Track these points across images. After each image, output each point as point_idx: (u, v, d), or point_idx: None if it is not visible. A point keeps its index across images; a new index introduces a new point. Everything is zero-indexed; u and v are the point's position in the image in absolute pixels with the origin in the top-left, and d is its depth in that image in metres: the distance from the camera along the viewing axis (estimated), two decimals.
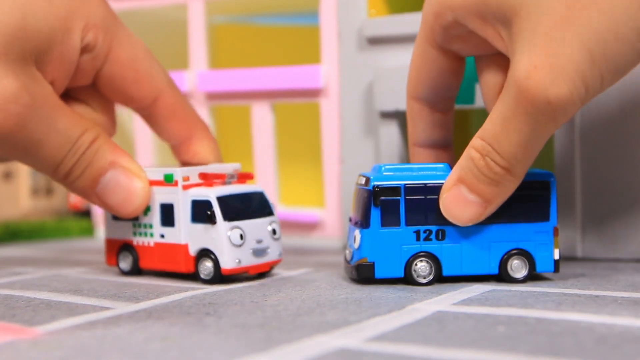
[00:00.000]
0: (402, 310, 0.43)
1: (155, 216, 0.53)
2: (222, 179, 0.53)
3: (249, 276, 0.54)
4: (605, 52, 0.42)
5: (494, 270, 0.50)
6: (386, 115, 0.63)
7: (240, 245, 0.51)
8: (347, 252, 0.52)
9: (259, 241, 0.52)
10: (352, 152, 0.66)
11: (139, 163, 0.53)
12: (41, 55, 0.49)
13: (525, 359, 0.33)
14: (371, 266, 0.49)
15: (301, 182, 0.77)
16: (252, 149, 0.72)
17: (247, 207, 0.53)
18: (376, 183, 0.49)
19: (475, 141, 0.46)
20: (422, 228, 0.49)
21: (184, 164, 0.57)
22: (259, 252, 0.52)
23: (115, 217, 0.55)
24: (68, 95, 0.54)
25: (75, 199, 0.87)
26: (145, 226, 0.54)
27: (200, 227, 0.52)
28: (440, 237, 0.49)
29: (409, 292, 0.48)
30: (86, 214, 0.86)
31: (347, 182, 0.66)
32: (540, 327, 0.39)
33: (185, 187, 0.52)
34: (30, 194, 0.90)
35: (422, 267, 0.49)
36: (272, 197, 0.70)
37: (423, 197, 0.49)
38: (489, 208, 0.47)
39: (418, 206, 0.49)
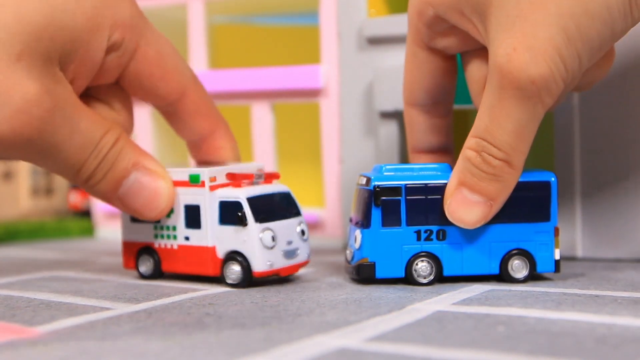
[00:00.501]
0: (402, 310, 0.43)
1: (179, 218, 0.52)
2: (250, 179, 0.51)
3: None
4: (580, 30, 0.43)
5: (495, 270, 0.50)
6: (386, 115, 0.63)
7: (272, 248, 0.50)
8: (347, 252, 0.51)
9: (289, 242, 0.51)
10: (352, 152, 0.66)
11: (161, 164, 0.52)
12: (65, 55, 0.48)
13: (525, 359, 0.33)
14: (372, 266, 0.49)
15: (301, 182, 0.77)
16: (252, 149, 0.72)
17: (277, 207, 0.51)
18: (377, 183, 0.49)
19: (469, 141, 0.46)
20: (422, 228, 0.49)
21: (200, 161, 0.56)
22: (289, 254, 0.51)
23: (135, 219, 0.53)
24: (86, 94, 0.52)
25: (75, 199, 0.87)
26: (168, 228, 0.52)
27: (229, 229, 0.50)
28: (441, 237, 0.49)
29: (409, 292, 0.48)
30: (86, 214, 0.86)
31: (347, 182, 0.66)
32: (540, 327, 0.39)
33: (212, 188, 0.51)
34: (30, 194, 0.90)
35: (422, 267, 0.49)
36: None
37: (424, 197, 0.49)
38: (494, 206, 0.47)
39: (419, 206, 0.49)
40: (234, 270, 0.50)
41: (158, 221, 0.53)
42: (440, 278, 0.50)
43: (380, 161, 0.64)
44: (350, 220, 0.52)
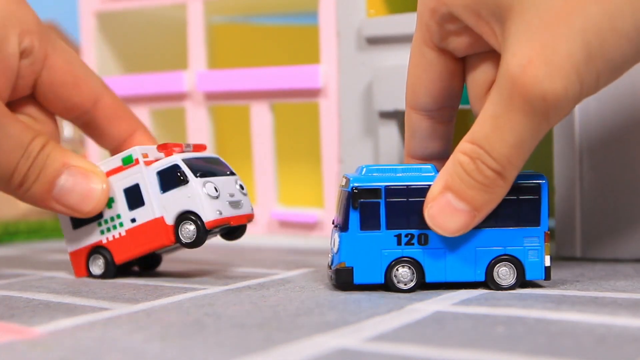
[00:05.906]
0: (401, 311, 0.43)
1: (121, 204, 0.53)
2: (180, 147, 0.53)
3: (246, 275, 0.54)
4: (603, 47, 0.41)
5: (481, 277, 0.47)
6: (385, 115, 0.63)
7: (217, 197, 0.52)
8: (329, 255, 0.50)
9: (232, 195, 0.53)
10: (351, 152, 0.66)
11: (91, 161, 0.53)
12: None
13: (524, 359, 0.33)
14: (350, 271, 0.47)
15: (300, 182, 0.77)
16: (251, 149, 0.72)
17: (211, 167, 0.53)
18: (355, 184, 0.47)
19: (464, 145, 0.44)
20: (403, 232, 0.47)
21: None
22: (234, 204, 0.53)
23: (76, 225, 0.55)
24: (10, 110, 0.53)
25: None
26: (112, 219, 0.54)
27: (172, 193, 0.52)
28: (422, 242, 0.47)
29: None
30: None
31: None
32: (540, 327, 0.39)
33: (147, 163, 0.52)
34: None
35: (403, 272, 0.47)
36: (271, 197, 0.71)
37: (405, 199, 0.47)
38: (478, 217, 0.45)
39: (400, 209, 0.47)
40: (189, 229, 0.52)
41: (101, 216, 0.54)
42: (422, 284, 0.47)
43: (380, 161, 0.63)
44: (332, 222, 0.50)
